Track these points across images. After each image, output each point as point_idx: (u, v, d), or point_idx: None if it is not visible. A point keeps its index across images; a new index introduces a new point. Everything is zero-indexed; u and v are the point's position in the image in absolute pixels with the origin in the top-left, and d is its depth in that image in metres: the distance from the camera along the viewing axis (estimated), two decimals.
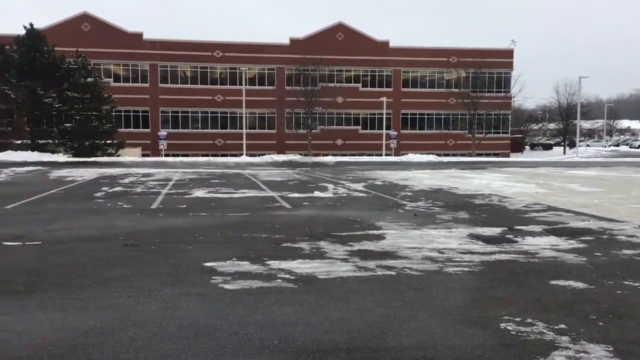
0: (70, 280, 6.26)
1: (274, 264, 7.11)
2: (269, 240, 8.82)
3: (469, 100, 53.16)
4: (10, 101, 40.99)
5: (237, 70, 51.44)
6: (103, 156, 41.10)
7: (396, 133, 51.41)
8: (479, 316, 5.22)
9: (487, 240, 9.02)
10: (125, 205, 13.12)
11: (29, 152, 38.83)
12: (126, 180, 20.31)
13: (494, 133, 57.00)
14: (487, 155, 54.55)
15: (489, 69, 55.41)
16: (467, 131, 55.57)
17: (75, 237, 9.01)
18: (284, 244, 8.45)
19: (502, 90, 56.83)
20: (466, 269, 7.02)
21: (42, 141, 41.09)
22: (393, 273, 6.76)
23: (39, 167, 28.19)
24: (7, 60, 40.55)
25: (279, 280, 6.33)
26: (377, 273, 6.75)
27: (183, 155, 46.15)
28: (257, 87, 52.62)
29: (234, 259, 7.35)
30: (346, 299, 5.67)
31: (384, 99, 50.98)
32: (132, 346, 4.35)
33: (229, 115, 52.74)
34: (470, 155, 52.86)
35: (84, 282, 6.22)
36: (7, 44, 40.82)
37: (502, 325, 4.97)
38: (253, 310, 5.24)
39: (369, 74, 55.27)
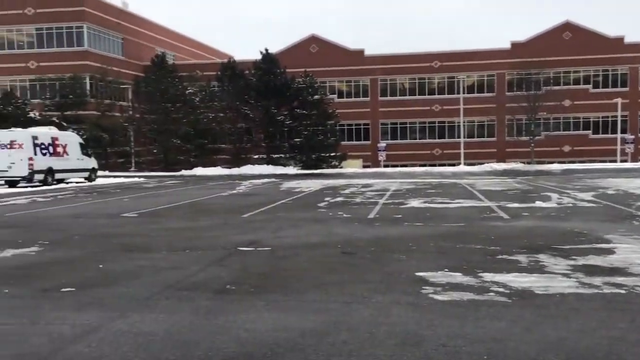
0: (292, 284, 6.79)
1: (488, 276, 6.91)
2: (483, 251, 8.59)
3: None
4: (249, 120, 45.78)
5: (455, 79, 50.89)
6: (327, 168, 43.80)
7: (633, 137, 46.31)
8: None
9: None
10: (344, 215, 13.81)
11: (265, 165, 43.19)
12: (347, 191, 21.34)
13: None
14: None
15: None
16: None
17: (299, 243, 9.73)
18: (499, 256, 8.15)
19: None
20: None
21: (275, 155, 45.23)
22: (622, 291, 6.13)
23: (273, 179, 31.02)
24: (247, 84, 45.43)
25: (491, 294, 6.14)
26: (604, 291, 6.18)
27: (401, 166, 46.97)
28: (475, 94, 51.43)
29: (446, 269, 7.30)
30: (565, 317, 5.29)
31: (619, 100, 46.19)
32: (344, 349, 4.58)
33: (446, 124, 52.38)
34: None
35: (305, 285, 6.70)
36: (246, 69, 45.77)
37: None
38: (462, 323, 5.16)
39: (600, 73, 50.64)
